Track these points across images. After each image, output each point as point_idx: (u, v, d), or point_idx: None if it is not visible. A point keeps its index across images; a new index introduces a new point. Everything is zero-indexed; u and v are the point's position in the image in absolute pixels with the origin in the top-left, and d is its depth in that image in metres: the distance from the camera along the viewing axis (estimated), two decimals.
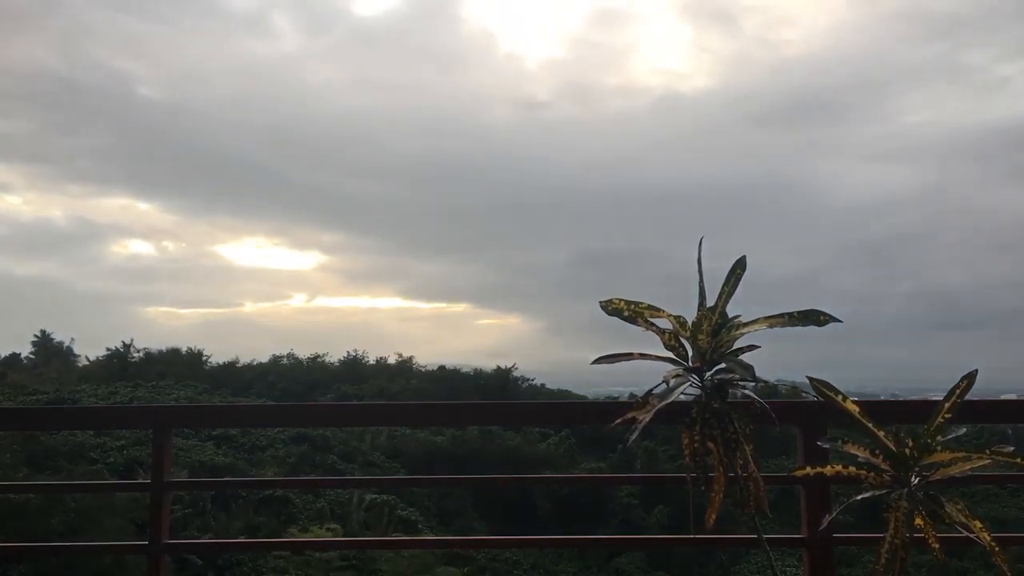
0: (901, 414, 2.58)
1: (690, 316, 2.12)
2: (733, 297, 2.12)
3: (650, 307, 2.14)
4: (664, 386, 2.08)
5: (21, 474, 18.84)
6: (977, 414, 2.77)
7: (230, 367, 41.45)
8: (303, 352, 43.77)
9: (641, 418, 2.05)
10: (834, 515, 2.30)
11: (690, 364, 2.12)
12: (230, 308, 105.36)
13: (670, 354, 2.14)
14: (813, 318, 2.06)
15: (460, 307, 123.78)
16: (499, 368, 39.71)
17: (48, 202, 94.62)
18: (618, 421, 2.18)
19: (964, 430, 2.00)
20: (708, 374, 2.10)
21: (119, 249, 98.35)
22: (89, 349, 40.78)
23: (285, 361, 42.97)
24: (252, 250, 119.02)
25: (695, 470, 2.07)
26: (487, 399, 32.06)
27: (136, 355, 38.94)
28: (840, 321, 2.06)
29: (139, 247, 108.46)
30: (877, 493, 1.94)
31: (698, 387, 2.10)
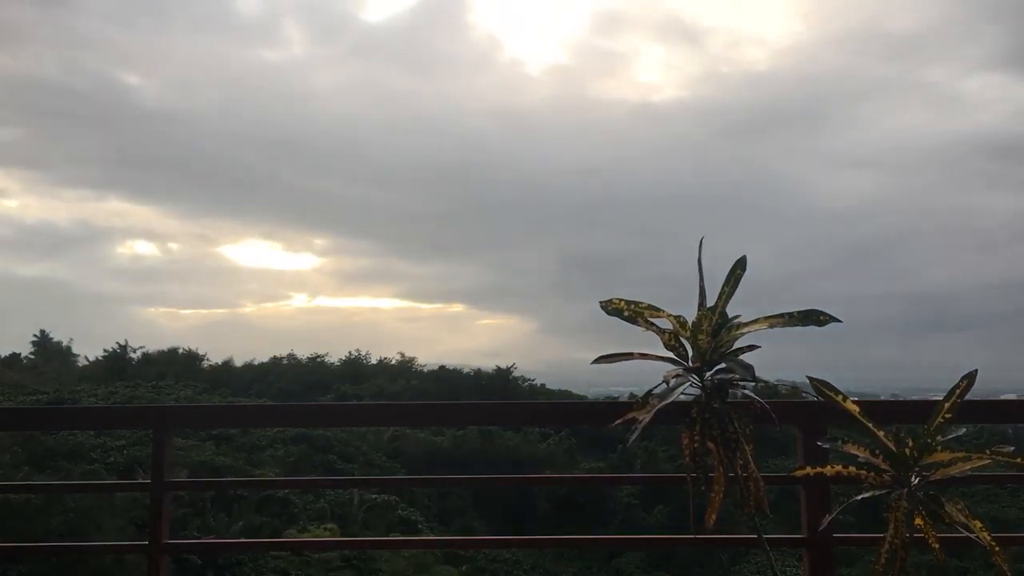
0: (901, 414, 2.57)
1: (690, 316, 2.12)
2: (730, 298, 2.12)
3: (650, 307, 2.13)
4: (664, 386, 2.09)
5: (21, 474, 18.81)
6: (977, 414, 2.76)
7: (229, 367, 41.45)
8: (304, 352, 43.89)
9: (641, 418, 2.06)
10: (834, 515, 2.30)
11: (690, 364, 2.12)
12: (231, 308, 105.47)
13: (670, 354, 2.14)
14: (813, 318, 2.06)
15: (458, 308, 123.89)
16: (499, 368, 39.70)
17: (45, 206, 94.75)
18: (618, 421, 2.18)
19: (964, 430, 2.00)
20: (708, 374, 2.10)
21: (122, 250, 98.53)
22: (88, 349, 40.85)
23: (285, 361, 43.00)
24: (252, 251, 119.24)
25: (695, 470, 2.07)
26: (487, 399, 32.02)
27: (133, 355, 39.01)
28: (840, 321, 2.06)
29: (142, 248, 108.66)
30: (877, 493, 1.94)
31: (698, 387, 2.10)
